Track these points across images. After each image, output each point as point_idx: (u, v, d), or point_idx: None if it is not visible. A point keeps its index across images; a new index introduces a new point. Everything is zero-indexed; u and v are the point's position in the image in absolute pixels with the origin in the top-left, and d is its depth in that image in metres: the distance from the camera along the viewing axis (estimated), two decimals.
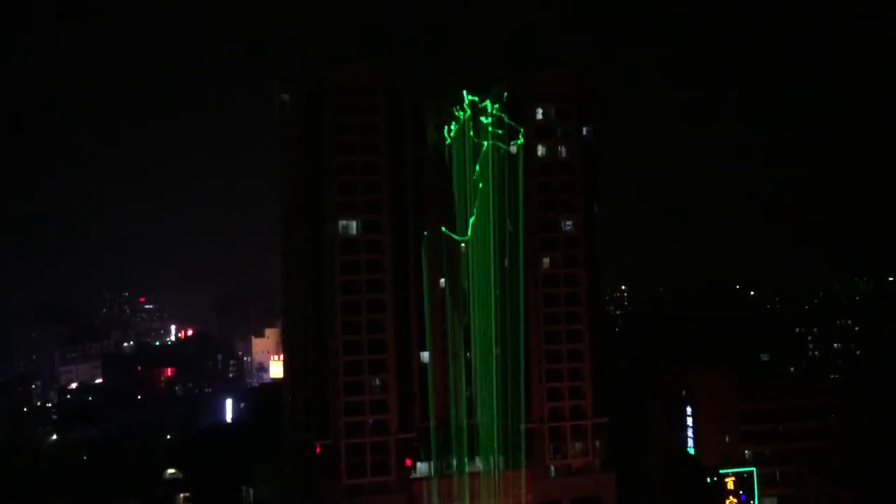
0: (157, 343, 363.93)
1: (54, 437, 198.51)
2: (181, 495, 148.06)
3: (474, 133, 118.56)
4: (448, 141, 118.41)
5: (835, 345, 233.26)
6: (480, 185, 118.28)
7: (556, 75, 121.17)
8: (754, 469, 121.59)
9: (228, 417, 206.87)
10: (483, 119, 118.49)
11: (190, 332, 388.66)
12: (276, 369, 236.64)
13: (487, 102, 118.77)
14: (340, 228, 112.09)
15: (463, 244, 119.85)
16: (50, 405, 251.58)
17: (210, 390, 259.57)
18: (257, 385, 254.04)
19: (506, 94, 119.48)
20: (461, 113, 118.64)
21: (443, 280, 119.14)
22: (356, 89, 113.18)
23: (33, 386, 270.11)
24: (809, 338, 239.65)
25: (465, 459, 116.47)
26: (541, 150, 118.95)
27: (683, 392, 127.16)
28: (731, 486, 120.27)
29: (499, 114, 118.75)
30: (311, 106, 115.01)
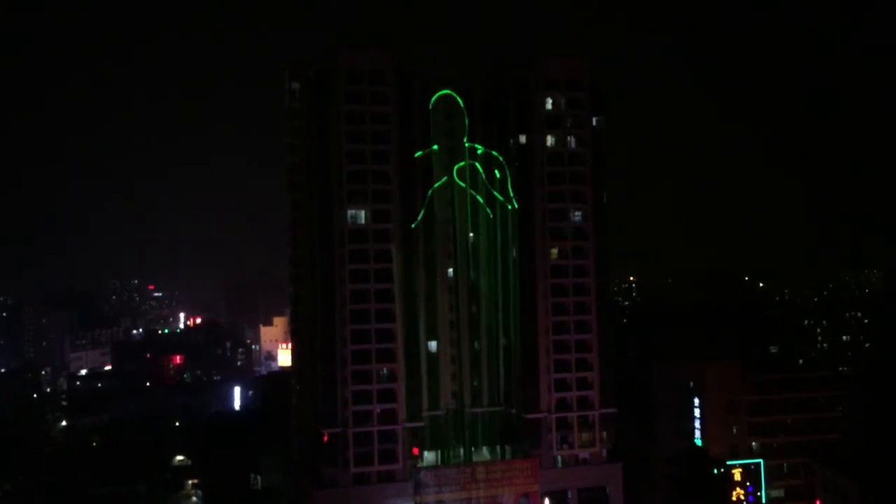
0: (166, 330, 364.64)
1: (63, 423, 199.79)
2: (189, 481, 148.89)
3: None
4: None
5: (844, 337, 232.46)
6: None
7: (567, 62, 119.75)
8: (762, 461, 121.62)
9: (237, 405, 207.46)
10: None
11: (199, 320, 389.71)
12: (284, 358, 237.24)
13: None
14: (349, 217, 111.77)
15: (472, 234, 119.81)
16: (59, 391, 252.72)
17: (218, 378, 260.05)
18: (265, 373, 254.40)
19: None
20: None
21: (451, 270, 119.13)
22: (366, 76, 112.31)
23: (43, 372, 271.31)
24: (818, 330, 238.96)
25: (472, 449, 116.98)
26: (550, 141, 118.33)
27: (691, 383, 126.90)
28: (738, 477, 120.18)
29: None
30: (319, 92, 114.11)
